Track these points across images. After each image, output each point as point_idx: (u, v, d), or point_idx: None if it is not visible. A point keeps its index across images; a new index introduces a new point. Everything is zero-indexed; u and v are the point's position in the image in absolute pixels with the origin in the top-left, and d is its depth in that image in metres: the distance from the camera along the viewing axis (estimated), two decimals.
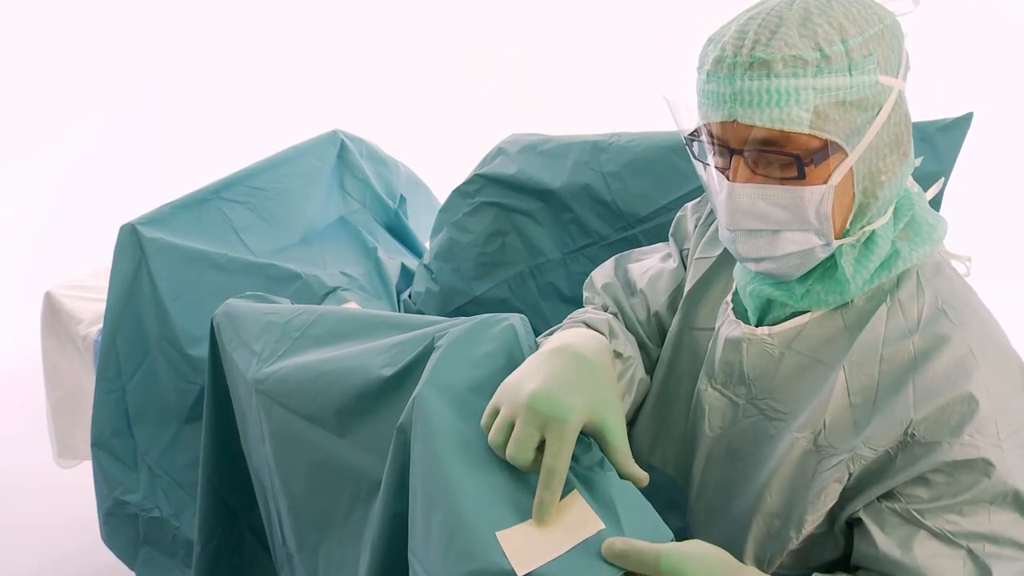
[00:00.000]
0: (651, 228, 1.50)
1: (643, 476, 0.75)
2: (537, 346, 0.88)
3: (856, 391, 0.78)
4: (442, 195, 1.82)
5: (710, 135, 0.76)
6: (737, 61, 0.71)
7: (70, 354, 2.16)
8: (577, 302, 1.58)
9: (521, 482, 0.75)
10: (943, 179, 0.91)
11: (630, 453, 0.76)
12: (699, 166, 0.81)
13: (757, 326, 0.86)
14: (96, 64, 4.42)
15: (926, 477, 0.73)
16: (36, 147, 4.35)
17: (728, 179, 0.75)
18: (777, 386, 0.84)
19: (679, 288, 1.00)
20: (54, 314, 2.17)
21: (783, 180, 0.73)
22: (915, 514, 0.73)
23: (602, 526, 0.69)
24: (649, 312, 1.02)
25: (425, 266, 1.75)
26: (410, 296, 1.80)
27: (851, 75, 0.70)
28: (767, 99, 0.70)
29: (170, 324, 1.55)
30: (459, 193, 1.71)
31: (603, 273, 1.10)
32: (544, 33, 4.46)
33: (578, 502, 0.72)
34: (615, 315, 1.03)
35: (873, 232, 0.78)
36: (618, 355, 0.93)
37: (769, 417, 0.84)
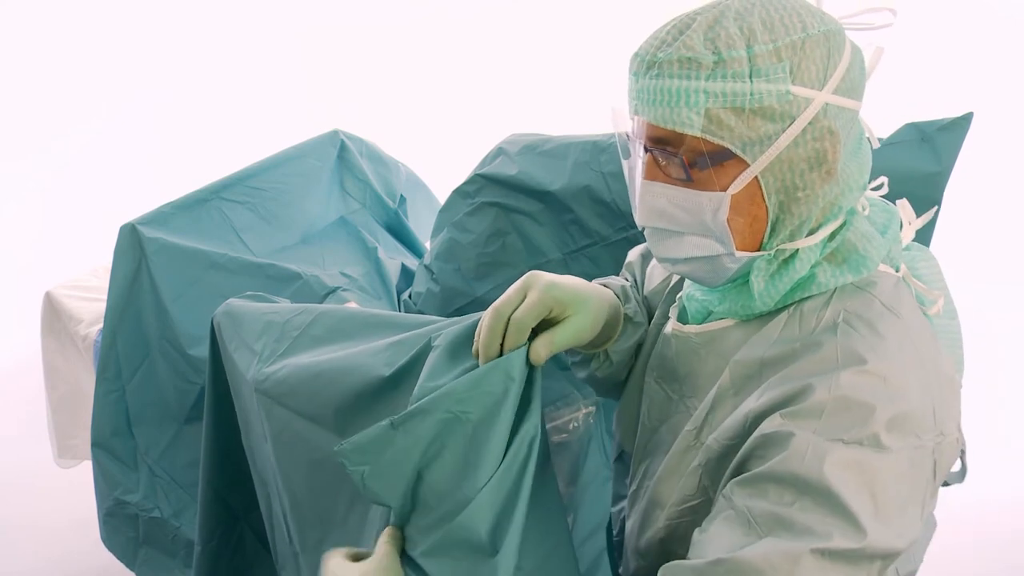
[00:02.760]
0: None
1: (539, 358, 0.80)
2: None
3: (737, 390, 0.78)
4: (442, 195, 1.82)
5: (633, 132, 0.78)
6: (645, 61, 0.73)
7: (70, 354, 2.16)
8: None
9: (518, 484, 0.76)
10: (936, 208, 0.89)
11: (553, 350, 0.81)
12: (625, 165, 0.83)
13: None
14: (96, 64, 4.42)
15: (744, 465, 0.71)
16: (36, 147, 4.35)
17: (642, 176, 0.77)
18: (699, 386, 0.84)
19: (668, 278, 1.03)
20: (54, 314, 2.17)
21: (682, 183, 0.74)
22: (729, 491, 0.70)
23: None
24: (642, 294, 1.06)
25: (426, 266, 1.75)
26: (410, 296, 1.80)
27: (751, 81, 0.69)
28: (659, 98, 0.71)
29: (170, 324, 1.55)
30: (459, 193, 1.71)
31: (634, 251, 1.13)
32: (543, 33, 4.46)
33: None
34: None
35: (796, 252, 0.76)
36: (628, 319, 0.95)
37: (691, 415, 0.85)
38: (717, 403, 0.79)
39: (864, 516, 0.63)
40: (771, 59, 0.69)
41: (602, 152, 1.56)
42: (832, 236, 0.78)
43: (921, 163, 1.25)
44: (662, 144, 0.73)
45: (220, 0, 4.62)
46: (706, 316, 0.86)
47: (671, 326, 0.89)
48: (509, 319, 0.79)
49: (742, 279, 0.80)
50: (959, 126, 1.28)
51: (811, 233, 0.77)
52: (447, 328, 0.89)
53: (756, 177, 0.72)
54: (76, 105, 4.40)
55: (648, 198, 0.77)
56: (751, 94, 0.69)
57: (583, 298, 0.85)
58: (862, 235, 0.78)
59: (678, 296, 0.93)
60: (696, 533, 0.70)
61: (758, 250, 0.77)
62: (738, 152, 0.71)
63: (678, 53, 0.70)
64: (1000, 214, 3.50)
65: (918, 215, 0.88)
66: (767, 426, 0.69)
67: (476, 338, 0.82)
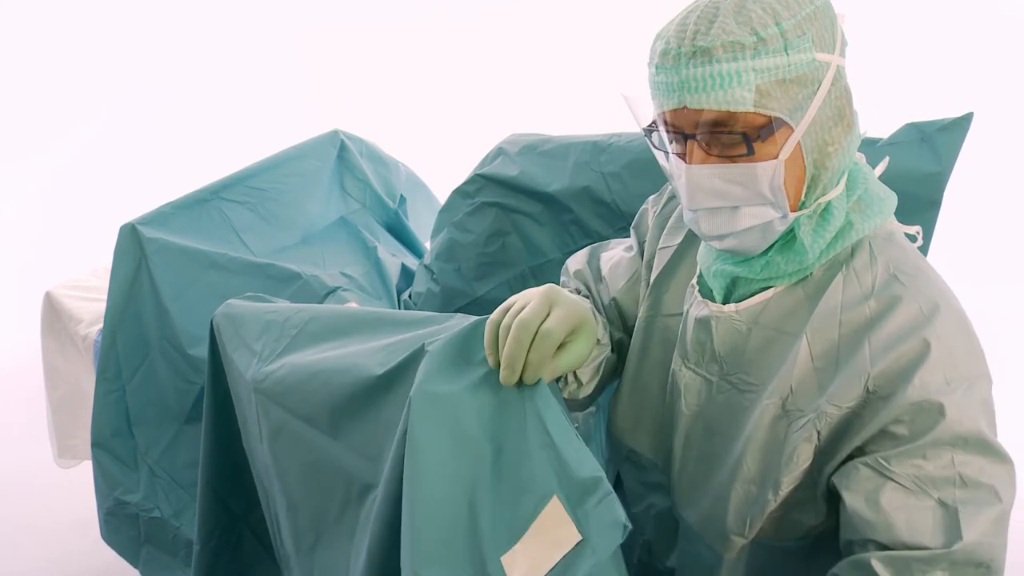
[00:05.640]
0: None
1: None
2: None
3: (818, 355, 0.82)
4: (442, 195, 1.82)
5: (665, 124, 0.80)
6: (681, 51, 0.76)
7: (70, 354, 2.16)
8: None
9: (505, 495, 0.76)
10: (887, 158, 0.93)
11: (555, 376, 0.85)
12: (659, 155, 0.85)
13: (724, 304, 0.90)
14: (96, 64, 4.42)
15: (888, 429, 0.76)
16: (36, 147, 4.35)
17: (686, 163, 0.80)
18: (747, 360, 0.87)
19: (635, 276, 1.06)
20: (54, 314, 2.18)
21: (735, 158, 0.77)
22: (881, 462, 0.76)
23: (579, 537, 0.73)
24: (609, 297, 1.09)
25: (426, 266, 1.75)
26: (410, 296, 1.80)
27: (788, 54, 0.75)
28: (711, 83, 0.75)
29: (170, 324, 1.55)
30: (459, 193, 1.71)
31: (577, 260, 1.17)
32: (543, 33, 4.46)
33: (559, 511, 0.74)
34: (586, 298, 1.09)
35: (829, 203, 0.82)
36: (596, 340, 0.98)
37: (741, 391, 0.88)
38: (799, 372, 0.82)
39: (1003, 449, 0.76)
40: (797, 32, 0.75)
41: (602, 152, 1.56)
42: (850, 185, 0.84)
43: (921, 163, 1.25)
44: (716, 126, 0.77)
45: (220, 0, 4.62)
46: (731, 290, 0.89)
47: (707, 309, 0.91)
48: (537, 331, 0.81)
49: (780, 241, 0.84)
50: (959, 126, 1.28)
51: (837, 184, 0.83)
52: (441, 331, 0.89)
53: (799, 141, 0.78)
54: (76, 105, 4.40)
55: (700, 181, 0.79)
56: (789, 66, 0.75)
57: (589, 323, 0.88)
58: (874, 180, 0.86)
59: (691, 284, 0.94)
60: (864, 508, 0.75)
61: (801, 208, 0.82)
62: (787, 119, 0.76)
63: (720, 39, 0.74)
64: (1000, 214, 3.50)
65: (918, 216, 0.95)
66: (908, 396, 0.75)
67: (488, 347, 0.83)
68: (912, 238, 0.89)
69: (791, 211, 0.80)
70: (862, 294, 0.81)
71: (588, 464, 0.75)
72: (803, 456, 0.81)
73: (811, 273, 0.85)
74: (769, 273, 0.85)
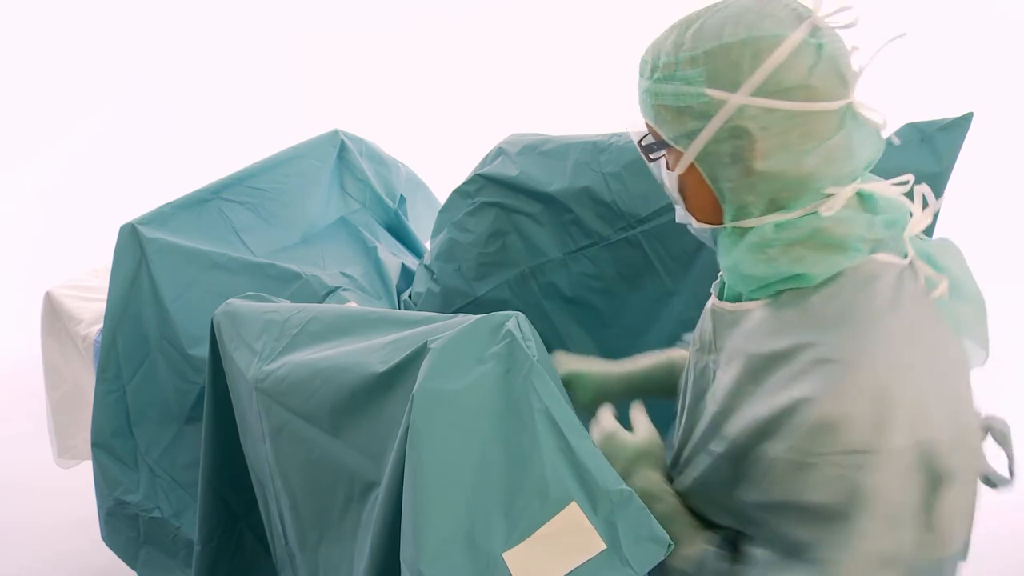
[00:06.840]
0: (651, 228, 1.50)
1: None
2: (536, 339, 0.89)
3: (752, 380, 0.80)
4: (442, 195, 1.82)
5: None
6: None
7: (70, 354, 2.16)
8: (578, 302, 1.59)
9: (512, 495, 0.76)
10: (940, 201, 0.89)
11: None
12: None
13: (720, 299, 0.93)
14: (97, 64, 4.42)
15: (754, 477, 0.76)
16: (36, 147, 4.36)
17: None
18: (722, 360, 0.88)
19: None
20: (54, 314, 2.18)
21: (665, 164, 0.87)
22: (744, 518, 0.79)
23: (603, 546, 0.71)
24: None
25: (426, 267, 1.75)
26: (410, 296, 1.80)
27: (672, 84, 0.79)
28: (638, 95, 0.85)
29: (170, 324, 1.55)
30: (459, 193, 1.71)
31: None
32: (544, 33, 4.46)
33: (579, 517, 0.73)
34: None
35: (748, 229, 0.83)
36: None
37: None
38: (736, 391, 0.81)
39: None
40: (690, 64, 0.78)
41: (602, 152, 1.56)
42: (804, 227, 0.79)
43: (921, 163, 1.25)
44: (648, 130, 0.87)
45: (221, 1, 4.62)
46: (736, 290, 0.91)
47: (711, 302, 0.94)
48: None
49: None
50: (959, 126, 1.28)
51: (763, 215, 0.81)
52: (444, 330, 0.89)
53: (694, 163, 0.82)
54: (76, 105, 4.41)
55: (658, 173, 0.90)
56: (674, 95, 0.80)
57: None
58: (838, 220, 0.79)
59: (719, 272, 0.96)
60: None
61: (720, 224, 0.86)
62: (670, 142, 0.83)
63: (642, 57, 0.84)
64: (1000, 214, 3.50)
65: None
66: (771, 452, 0.74)
67: None
68: (932, 283, 0.81)
69: (705, 223, 0.86)
70: (801, 330, 0.77)
71: (611, 476, 0.75)
72: (699, 465, 0.85)
73: (780, 295, 0.81)
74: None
